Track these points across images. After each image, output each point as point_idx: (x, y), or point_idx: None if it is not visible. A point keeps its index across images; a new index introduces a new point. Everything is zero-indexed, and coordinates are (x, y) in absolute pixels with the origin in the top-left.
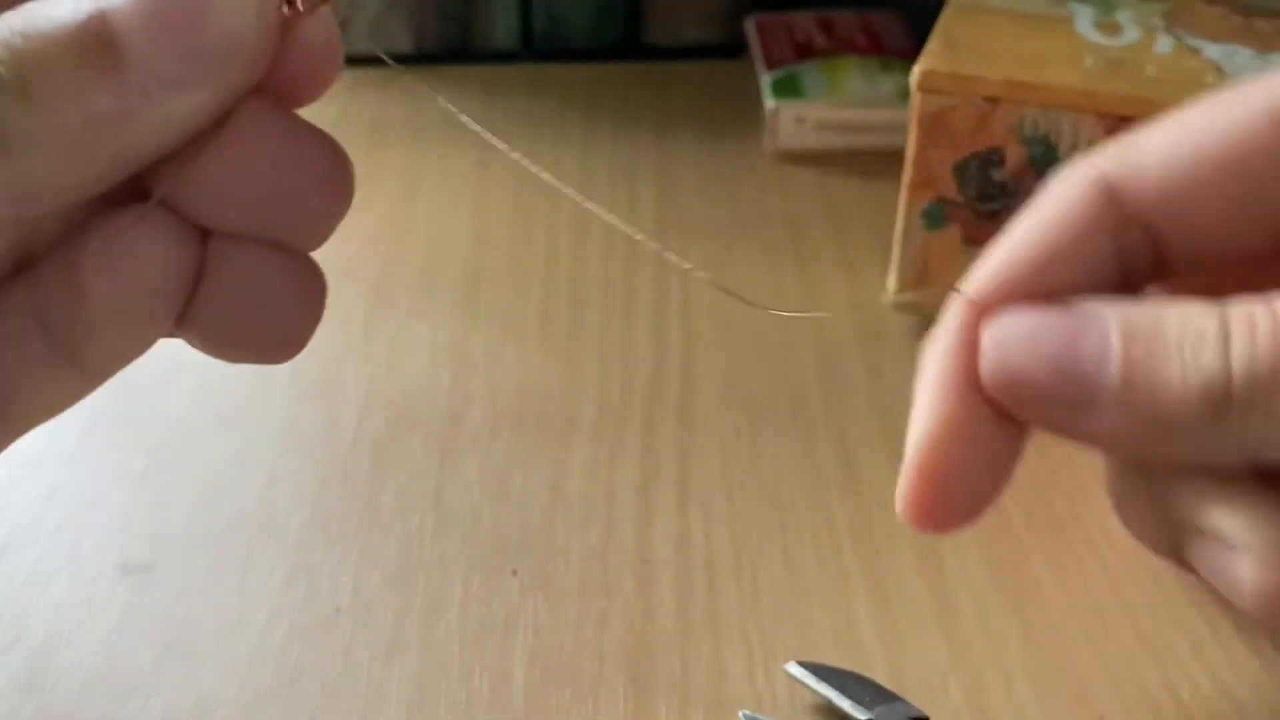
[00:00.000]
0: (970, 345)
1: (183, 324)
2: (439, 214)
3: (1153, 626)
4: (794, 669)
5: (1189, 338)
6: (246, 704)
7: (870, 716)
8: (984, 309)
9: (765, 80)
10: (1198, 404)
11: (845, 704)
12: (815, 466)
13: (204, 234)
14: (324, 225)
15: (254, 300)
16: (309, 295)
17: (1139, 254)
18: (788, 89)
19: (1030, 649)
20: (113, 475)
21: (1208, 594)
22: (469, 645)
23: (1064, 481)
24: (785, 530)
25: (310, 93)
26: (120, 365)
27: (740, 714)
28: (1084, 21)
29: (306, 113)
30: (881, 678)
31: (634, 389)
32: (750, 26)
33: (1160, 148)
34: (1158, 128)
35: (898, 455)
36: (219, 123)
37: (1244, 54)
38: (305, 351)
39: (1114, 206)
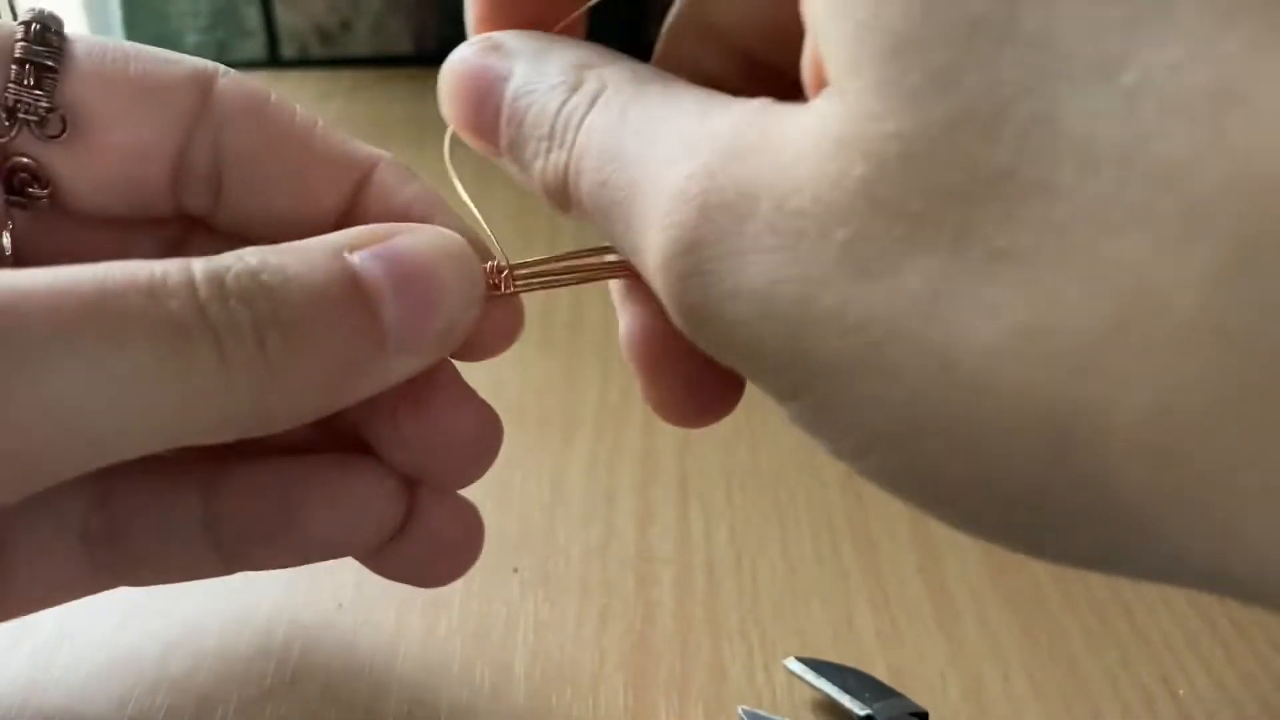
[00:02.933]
0: None
1: (370, 556)
2: None
3: (1150, 623)
4: (793, 664)
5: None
6: (248, 703)
7: (869, 712)
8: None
9: None
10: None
11: (844, 699)
12: (815, 467)
13: (413, 486)
14: (473, 475)
15: (437, 548)
16: (475, 543)
17: None
18: None
19: (1028, 645)
20: None
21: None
22: (470, 643)
23: None
24: (785, 529)
25: (479, 357)
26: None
27: (739, 710)
28: None
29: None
30: (881, 674)
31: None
32: None
33: None
34: None
35: None
36: (417, 384)
37: None
38: None
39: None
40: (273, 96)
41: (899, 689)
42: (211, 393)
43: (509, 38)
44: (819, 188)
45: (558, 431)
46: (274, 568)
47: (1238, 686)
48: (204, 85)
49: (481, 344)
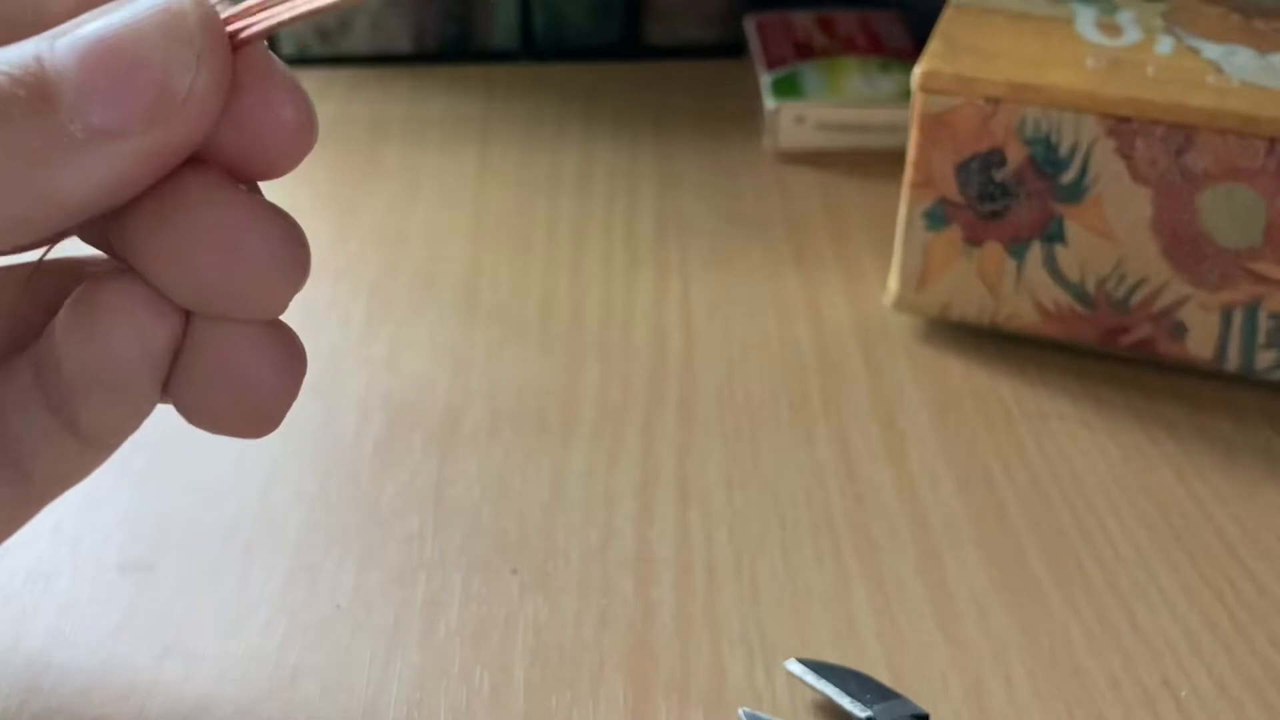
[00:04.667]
0: None
1: (165, 393)
2: (439, 214)
3: (1151, 625)
4: (793, 666)
5: None
6: (246, 704)
7: (870, 714)
8: None
9: (765, 80)
10: None
11: (845, 701)
12: (815, 466)
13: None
14: (276, 301)
15: (226, 374)
16: (283, 369)
17: None
18: (788, 89)
19: (1030, 647)
20: (113, 475)
21: (1207, 593)
22: (469, 644)
23: (1064, 482)
24: (785, 530)
25: (272, 167)
26: (120, 433)
27: (740, 711)
28: (1084, 22)
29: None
30: (881, 676)
31: (634, 389)
32: (750, 26)
33: None
34: None
35: (898, 455)
36: (164, 191)
37: (1244, 54)
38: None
39: None
40: None
41: (900, 691)
42: None
43: None
44: None
45: (557, 432)
46: (113, 429)
47: (1240, 687)
48: None
49: (257, 149)
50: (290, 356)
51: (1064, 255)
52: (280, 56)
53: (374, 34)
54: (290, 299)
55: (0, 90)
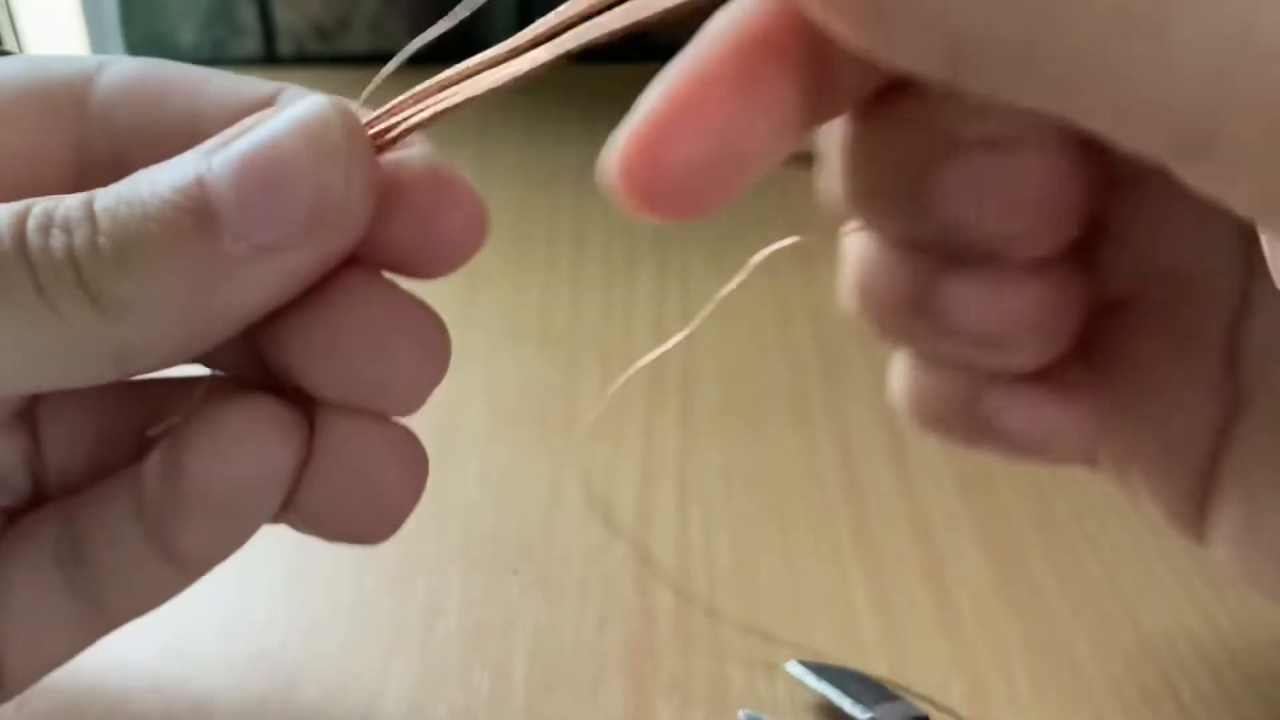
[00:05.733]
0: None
1: (284, 510)
2: None
3: (1153, 626)
4: (793, 668)
5: None
6: (246, 704)
7: (871, 715)
8: None
9: None
10: None
11: (845, 703)
12: (815, 466)
13: (310, 421)
14: (420, 393)
15: (357, 477)
16: (411, 468)
17: None
18: None
19: (1030, 649)
20: None
21: (1208, 592)
22: (469, 645)
23: (1064, 481)
24: (785, 530)
25: (433, 270)
26: (216, 557)
27: (740, 713)
28: None
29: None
30: (882, 676)
31: (634, 389)
32: None
33: None
34: None
35: (898, 455)
36: (319, 291)
37: None
38: None
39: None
40: (161, 64)
41: (901, 692)
42: (44, 328)
43: None
44: None
45: (557, 432)
46: (207, 555)
47: (1240, 688)
48: (88, 75)
49: (427, 240)
50: (416, 456)
51: None
52: (278, 56)
53: (372, 33)
54: (428, 392)
55: (168, 220)
